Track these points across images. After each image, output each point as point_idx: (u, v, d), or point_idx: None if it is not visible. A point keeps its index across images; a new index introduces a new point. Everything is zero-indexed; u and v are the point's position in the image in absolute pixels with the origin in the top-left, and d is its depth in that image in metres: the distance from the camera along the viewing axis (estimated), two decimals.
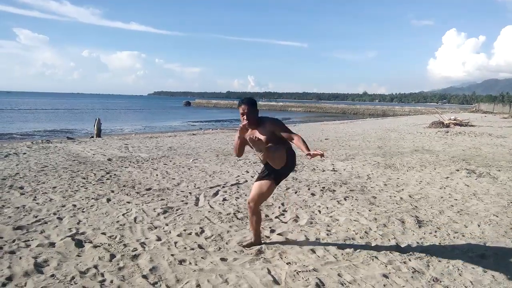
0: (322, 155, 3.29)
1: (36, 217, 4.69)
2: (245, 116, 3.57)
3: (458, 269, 3.42)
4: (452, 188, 6.54)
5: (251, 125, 3.59)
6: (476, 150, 11.53)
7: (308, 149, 3.35)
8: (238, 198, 5.79)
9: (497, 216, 5.00)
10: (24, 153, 10.04)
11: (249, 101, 3.64)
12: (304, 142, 3.45)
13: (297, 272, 3.30)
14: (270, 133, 3.53)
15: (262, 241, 4.02)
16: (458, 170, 8.11)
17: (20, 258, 3.49)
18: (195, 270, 3.33)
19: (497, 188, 6.58)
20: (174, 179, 7.10)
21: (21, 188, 6.14)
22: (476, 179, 7.31)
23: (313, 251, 3.78)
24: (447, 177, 7.45)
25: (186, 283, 3.10)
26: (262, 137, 3.47)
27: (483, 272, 3.38)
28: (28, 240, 3.92)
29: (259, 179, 3.76)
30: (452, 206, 5.48)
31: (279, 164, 3.53)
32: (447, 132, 18.00)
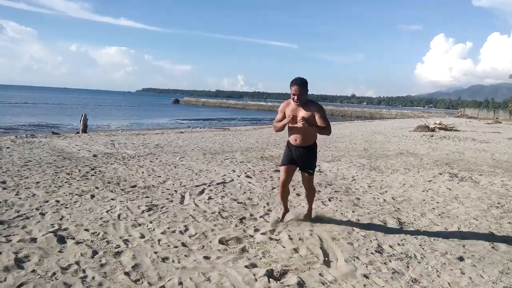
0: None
1: (18, 212, 4.63)
2: (295, 96, 4.05)
3: (437, 271, 3.49)
4: (435, 191, 6.65)
5: (300, 104, 4.08)
6: (459, 155, 11.74)
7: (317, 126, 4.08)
8: (224, 197, 5.80)
9: (477, 220, 5.11)
10: (8, 148, 9.89)
11: (302, 81, 4.06)
12: (329, 129, 4.12)
13: (279, 271, 3.33)
14: (311, 114, 4.05)
15: (246, 240, 4.05)
16: (441, 174, 8.25)
17: (1, 253, 3.45)
18: (178, 268, 3.34)
19: (478, 192, 6.72)
20: (160, 176, 7.08)
21: (4, 182, 6.06)
22: (458, 183, 7.45)
23: (296, 251, 3.81)
24: (430, 180, 7.57)
25: (168, 281, 3.11)
26: (305, 114, 4.03)
27: (461, 274, 3.46)
28: (9, 235, 3.88)
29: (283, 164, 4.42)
30: (434, 209, 5.58)
31: (310, 140, 4.22)
32: (432, 136, 18.27)
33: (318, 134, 4.28)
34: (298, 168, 4.42)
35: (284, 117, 4.22)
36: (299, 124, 4.01)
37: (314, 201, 4.81)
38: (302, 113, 4.04)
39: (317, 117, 4.05)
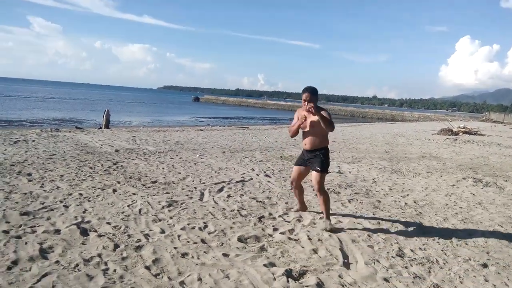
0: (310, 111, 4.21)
1: (42, 203, 4.75)
2: (307, 102, 4.29)
3: (460, 277, 3.42)
4: (458, 196, 6.51)
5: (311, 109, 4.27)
6: (484, 159, 11.45)
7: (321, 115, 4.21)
8: (243, 195, 5.81)
9: (501, 226, 4.98)
10: (33, 141, 10.16)
11: (312, 90, 4.38)
12: (331, 124, 4.28)
13: (298, 272, 3.32)
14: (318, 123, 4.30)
15: (265, 239, 4.05)
16: (464, 179, 8.07)
17: (26, 243, 3.55)
18: (197, 264, 3.37)
19: (503, 198, 6.54)
20: (180, 173, 7.14)
21: (29, 174, 6.22)
22: (482, 188, 7.27)
23: (315, 251, 3.79)
24: (453, 185, 7.41)
25: (188, 276, 3.13)
26: (315, 117, 4.28)
27: (485, 281, 3.38)
28: (34, 226, 3.98)
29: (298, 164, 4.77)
30: (457, 214, 5.46)
31: (320, 144, 4.48)
32: (456, 140, 17.88)
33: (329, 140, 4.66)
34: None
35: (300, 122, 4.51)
36: (308, 108, 4.22)
37: (330, 207, 4.66)
38: (312, 118, 4.36)
39: (324, 113, 4.29)
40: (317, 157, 4.49)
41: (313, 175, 4.48)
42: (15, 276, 2.96)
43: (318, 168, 4.44)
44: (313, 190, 4.79)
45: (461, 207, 5.81)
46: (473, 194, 6.70)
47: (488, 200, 6.37)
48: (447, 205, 5.92)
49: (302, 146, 4.66)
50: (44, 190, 5.36)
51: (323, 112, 4.27)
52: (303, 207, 5.10)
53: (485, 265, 3.71)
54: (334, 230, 4.38)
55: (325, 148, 4.54)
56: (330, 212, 4.67)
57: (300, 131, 4.61)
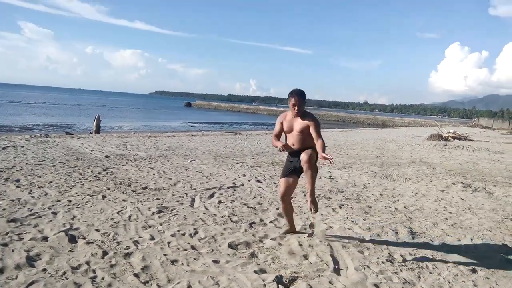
0: (330, 160, 3.64)
1: (30, 210, 4.69)
2: (296, 107, 3.96)
3: (449, 282, 3.44)
4: (447, 201, 6.56)
5: (299, 114, 4.00)
6: (473, 165, 11.56)
7: (323, 152, 3.76)
8: (234, 201, 5.79)
9: (490, 231, 5.02)
10: (22, 146, 10.04)
11: (300, 92, 4.03)
12: (324, 147, 3.85)
13: (288, 278, 3.31)
14: (306, 125, 3.97)
15: (256, 245, 4.04)
16: (454, 184, 8.13)
17: (13, 250, 3.50)
18: (187, 271, 3.34)
19: (492, 203, 6.60)
20: (170, 179, 7.11)
21: (17, 181, 6.14)
22: (471, 193, 7.33)
23: (306, 257, 3.79)
24: (443, 190, 7.47)
25: (177, 284, 3.11)
26: (300, 124, 3.98)
27: (474, 286, 3.40)
28: (21, 233, 3.93)
29: (285, 175, 4.20)
30: (446, 219, 5.49)
31: (310, 143, 3.98)
32: (445, 145, 18.04)
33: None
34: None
35: (281, 128, 4.12)
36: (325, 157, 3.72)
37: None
38: (298, 124, 4.01)
39: (311, 128, 3.96)
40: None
41: (304, 153, 3.96)
42: (0, 284, 2.91)
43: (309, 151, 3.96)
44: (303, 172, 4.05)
45: (451, 212, 5.85)
46: (463, 199, 6.76)
47: (477, 205, 6.43)
48: (436, 210, 5.95)
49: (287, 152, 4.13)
50: (32, 197, 5.29)
51: (311, 122, 3.95)
52: (292, 228, 4.47)
53: (474, 270, 3.73)
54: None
55: (313, 147, 4.03)
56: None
57: (283, 135, 4.18)
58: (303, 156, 3.92)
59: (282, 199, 4.22)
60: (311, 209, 3.97)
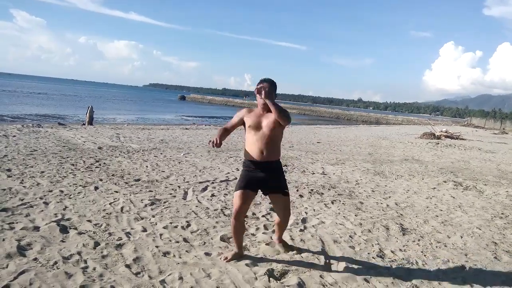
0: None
1: (22, 200, 4.66)
2: (263, 89, 3.28)
3: (438, 278, 3.47)
4: (438, 199, 6.62)
5: (265, 95, 3.28)
6: (464, 163, 11.67)
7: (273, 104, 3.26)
8: (227, 194, 5.80)
9: (480, 229, 5.08)
10: (14, 136, 9.96)
11: (271, 80, 3.43)
12: (286, 116, 3.32)
13: (280, 271, 3.33)
14: (276, 120, 3.32)
15: (248, 239, 4.04)
16: (445, 182, 8.21)
17: (3, 240, 3.48)
18: (178, 263, 3.35)
19: (482, 201, 6.68)
20: (163, 171, 7.09)
21: (9, 170, 6.10)
22: (462, 191, 7.41)
23: (297, 252, 3.81)
24: (434, 188, 7.53)
25: (168, 275, 3.11)
26: (271, 119, 3.33)
27: (463, 283, 3.44)
28: (13, 223, 3.91)
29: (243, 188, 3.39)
30: (437, 216, 5.55)
31: (277, 153, 3.42)
32: (438, 143, 18.18)
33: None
34: (262, 192, 3.54)
35: (238, 123, 3.48)
36: (259, 89, 3.28)
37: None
38: (266, 119, 3.36)
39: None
40: (278, 172, 3.48)
41: (281, 199, 3.50)
42: None
43: (287, 191, 3.52)
44: (276, 221, 3.69)
45: (441, 210, 5.91)
46: (453, 197, 6.82)
47: (468, 203, 6.49)
48: (427, 207, 6.01)
49: (253, 155, 3.35)
50: (24, 186, 5.26)
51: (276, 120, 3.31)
52: (241, 252, 3.59)
53: (463, 267, 3.78)
54: (291, 247, 3.84)
55: (280, 160, 3.53)
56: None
57: (248, 134, 3.42)
58: (280, 208, 3.52)
59: (236, 216, 3.39)
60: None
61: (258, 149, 3.32)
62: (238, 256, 3.54)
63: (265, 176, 3.37)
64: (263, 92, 3.26)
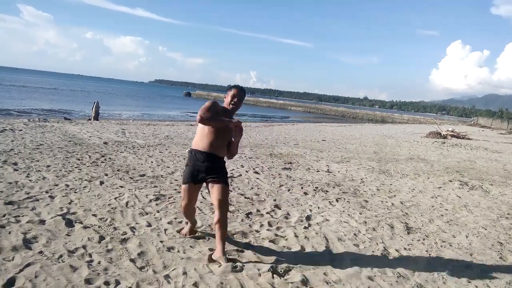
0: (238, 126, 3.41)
1: (28, 193, 4.69)
2: (236, 99, 3.54)
3: (443, 277, 3.46)
4: (444, 198, 6.58)
5: (235, 111, 3.61)
6: (470, 163, 11.60)
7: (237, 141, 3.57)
8: (231, 191, 5.79)
9: (485, 229, 5.05)
10: (20, 130, 10.02)
11: (243, 88, 3.65)
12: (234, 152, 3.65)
13: (283, 268, 3.32)
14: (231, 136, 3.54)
15: (252, 235, 4.05)
16: (451, 181, 8.16)
17: (10, 232, 3.50)
18: (182, 258, 3.35)
19: (488, 201, 6.64)
20: (168, 167, 7.10)
21: (15, 164, 6.14)
22: (468, 191, 7.36)
23: (302, 249, 3.80)
24: (440, 187, 7.49)
25: (172, 270, 3.12)
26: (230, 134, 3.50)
27: (467, 283, 3.42)
28: (19, 216, 3.93)
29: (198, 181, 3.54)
30: (442, 215, 5.52)
31: (223, 152, 3.58)
32: (444, 143, 18.08)
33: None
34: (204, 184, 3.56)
35: (217, 113, 3.43)
36: (232, 126, 3.39)
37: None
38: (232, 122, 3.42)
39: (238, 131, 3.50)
40: (220, 163, 3.57)
41: (219, 189, 3.41)
42: None
43: (225, 180, 3.51)
44: (214, 212, 3.48)
45: (447, 209, 5.88)
46: (459, 197, 6.79)
47: (473, 203, 6.46)
48: (433, 206, 5.98)
49: (203, 145, 3.47)
50: (30, 180, 5.29)
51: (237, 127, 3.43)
52: (194, 225, 3.96)
53: (468, 267, 3.76)
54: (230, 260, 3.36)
55: (224, 159, 3.64)
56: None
57: (203, 127, 3.49)
58: (218, 200, 3.37)
59: (185, 210, 3.64)
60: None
61: (209, 142, 3.46)
62: (192, 229, 3.93)
63: (207, 167, 3.46)
64: (236, 107, 3.58)
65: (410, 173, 8.82)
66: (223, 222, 3.40)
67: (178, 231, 3.95)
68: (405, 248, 4.09)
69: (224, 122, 3.41)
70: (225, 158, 3.65)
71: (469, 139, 22.73)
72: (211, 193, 3.50)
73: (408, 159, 11.34)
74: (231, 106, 3.54)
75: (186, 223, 4.01)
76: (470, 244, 4.42)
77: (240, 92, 3.57)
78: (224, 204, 3.43)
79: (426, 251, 4.08)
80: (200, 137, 3.52)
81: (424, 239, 4.43)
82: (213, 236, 3.66)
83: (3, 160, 6.31)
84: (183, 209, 3.67)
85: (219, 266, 3.21)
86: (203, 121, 3.34)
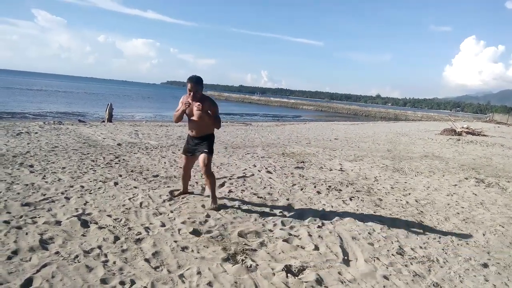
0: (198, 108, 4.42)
1: (44, 195, 4.76)
2: (192, 92, 4.43)
3: (460, 276, 3.41)
4: (460, 196, 6.49)
5: (195, 99, 4.45)
6: (486, 160, 11.41)
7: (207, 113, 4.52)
8: (244, 190, 5.81)
9: (503, 227, 4.96)
10: (36, 133, 10.18)
11: (197, 79, 4.46)
12: (219, 123, 4.72)
13: (297, 267, 3.31)
14: (207, 107, 4.48)
15: (265, 235, 4.04)
16: (466, 179, 8.04)
17: (27, 233, 3.56)
18: (196, 258, 3.37)
19: (505, 199, 6.52)
20: (181, 168, 7.13)
21: (31, 166, 6.24)
22: (484, 188, 7.24)
23: (316, 248, 3.79)
24: (455, 185, 7.39)
25: (187, 270, 3.13)
26: (199, 112, 4.44)
27: (485, 281, 3.37)
28: (35, 217, 3.99)
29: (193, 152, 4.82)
30: (458, 213, 5.44)
31: (205, 131, 4.68)
32: (459, 140, 17.82)
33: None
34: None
35: (184, 111, 4.59)
36: (195, 109, 4.43)
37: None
38: (196, 110, 4.46)
39: (212, 110, 4.53)
40: (203, 141, 4.70)
41: (201, 157, 4.65)
42: (15, 266, 2.97)
43: (206, 150, 4.65)
44: (201, 173, 4.93)
45: (463, 207, 5.79)
46: (475, 194, 6.68)
47: (490, 200, 6.35)
48: (448, 204, 5.90)
49: (189, 132, 4.78)
50: (46, 182, 5.37)
51: (208, 105, 4.48)
52: (185, 191, 5.29)
53: (485, 265, 3.70)
54: (218, 208, 4.72)
55: (211, 134, 4.78)
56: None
57: (186, 118, 4.69)
58: (201, 165, 4.65)
59: (184, 170, 5.06)
60: (211, 207, 4.74)
61: (190, 128, 4.72)
62: (183, 193, 5.25)
63: (193, 146, 4.77)
64: (195, 97, 4.48)
65: (424, 171, 8.71)
66: (206, 171, 4.61)
67: (171, 193, 5.25)
68: (420, 247, 4.04)
69: (182, 111, 4.55)
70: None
71: (484, 135, 22.36)
72: (198, 160, 4.72)
73: (423, 157, 11.21)
74: (191, 95, 4.46)
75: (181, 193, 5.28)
76: (487, 242, 4.35)
77: (191, 83, 4.43)
78: (206, 164, 4.60)
79: (442, 249, 4.03)
80: (188, 125, 4.75)
81: (440, 238, 4.37)
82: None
83: (20, 162, 6.42)
84: (182, 170, 5.07)
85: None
86: (175, 122, 4.74)
